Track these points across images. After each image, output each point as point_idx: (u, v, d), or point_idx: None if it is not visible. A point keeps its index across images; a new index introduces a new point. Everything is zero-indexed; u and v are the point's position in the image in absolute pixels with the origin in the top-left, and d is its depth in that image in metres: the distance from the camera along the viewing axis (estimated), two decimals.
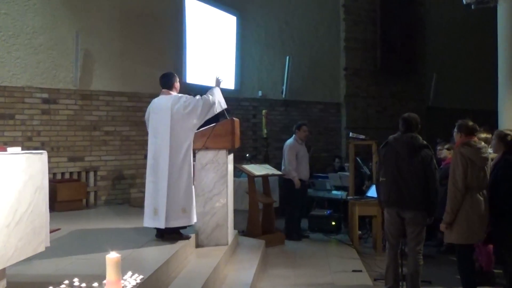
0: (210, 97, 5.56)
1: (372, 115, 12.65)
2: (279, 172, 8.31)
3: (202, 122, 5.56)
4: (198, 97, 5.53)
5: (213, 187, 5.89)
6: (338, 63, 12.30)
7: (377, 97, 12.78)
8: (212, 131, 5.79)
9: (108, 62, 8.56)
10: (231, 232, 6.21)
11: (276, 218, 8.30)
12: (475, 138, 5.34)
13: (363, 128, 11.80)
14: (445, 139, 9.20)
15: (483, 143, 5.36)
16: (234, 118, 5.99)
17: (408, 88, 13.35)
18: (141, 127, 7.99)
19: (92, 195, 8.40)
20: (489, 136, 6.31)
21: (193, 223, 5.47)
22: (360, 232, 8.30)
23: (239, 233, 7.16)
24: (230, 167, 6.20)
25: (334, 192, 9.76)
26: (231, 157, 6.25)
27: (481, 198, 5.16)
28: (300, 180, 8.39)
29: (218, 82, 5.82)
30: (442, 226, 5.30)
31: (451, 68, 14.26)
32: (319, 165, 11.19)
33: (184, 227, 5.48)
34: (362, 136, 8.29)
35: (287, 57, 11.14)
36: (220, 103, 5.64)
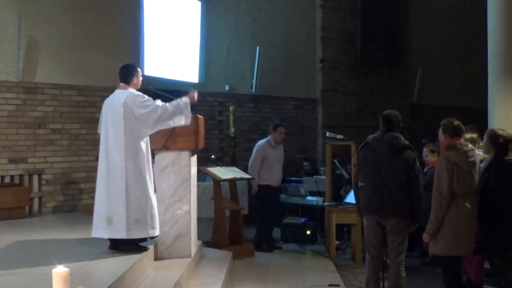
0: (173, 108, 5.46)
1: (351, 113, 12.79)
2: (248, 176, 8.34)
3: (159, 129, 5.51)
4: (158, 102, 5.47)
5: (174, 192, 5.89)
6: (314, 54, 12.38)
7: (357, 93, 12.92)
8: (173, 129, 5.78)
9: (56, 51, 8.46)
10: (194, 243, 6.22)
11: (245, 227, 8.33)
12: (461, 140, 5.45)
13: (342, 127, 11.92)
14: (431, 139, 9.36)
15: (469, 145, 5.47)
16: (198, 116, 6.00)
17: (391, 83, 13.53)
18: (93, 124, 7.92)
19: (36, 201, 8.29)
20: (474, 136, 6.47)
21: (156, 234, 5.47)
22: (337, 242, 8.38)
23: (204, 243, 7.17)
24: (194, 170, 6.21)
25: (309, 198, 9.83)
26: (194, 158, 6.26)
27: (469, 206, 5.26)
28: (270, 186, 8.46)
29: (191, 96, 5.70)
30: (426, 237, 5.40)
31: (438, 61, 14.51)
32: (292, 168, 11.27)
33: (145, 239, 5.46)
34: (340, 136, 8.38)
35: (258, 48, 11.17)
36: (181, 117, 5.55)
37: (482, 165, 5.56)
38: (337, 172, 9.61)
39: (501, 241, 5.30)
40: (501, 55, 8.59)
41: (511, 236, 5.28)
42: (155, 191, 5.54)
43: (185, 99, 5.64)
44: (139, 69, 5.63)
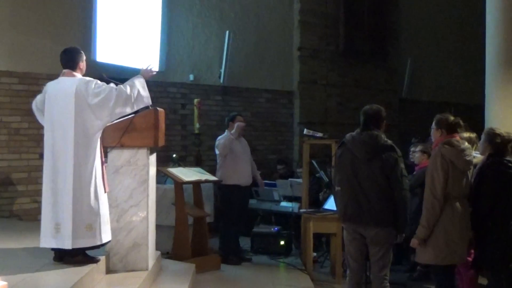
0: (128, 88, 5.46)
1: (332, 108, 12.89)
2: (214, 178, 8.35)
3: (115, 119, 5.52)
4: (112, 85, 5.45)
5: (129, 196, 5.86)
6: (291, 41, 12.45)
7: (339, 86, 13.02)
8: (130, 124, 5.75)
9: None
10: (152, 254, 6.20)
11: (211, 236, 8.36)
12: (458, 137, 5.57)
13: (321, 124, 12.02)
14: (422, 139, 9.48)
15: (466, 143, 5.60)
16: (157, 109, 5.99)
17: (377, 75, 13.67)
18: None
19: None
20: (473, 136, 6.58)
21: (104, 241, 5.45)
22: (315, 254, 8.46)
23: (163, 255, 7.15)
24: (152, 170, 6.19)
25: (284, 204, 9.90)
26: (153, 158, 6.24)
27: (462, 209, 5.40)
28: (239, 186, 8.49)
29: (146, 72, 5.73)
30: (415, 242, 5.50)
31: (430, 52, 14.70)
32: (265, 170, 11.30)
33: (92, 248, 5.45)
34: (319, 134, 8.45)
35: (227, 32, 11.19)
36: (142, 97, 5.55)
37: (476, 166, 5.68)
38: (317, 175, 9.67)
39: (496, 253, 5.41)
40: (500, 46, 8.74)
41: (508, 247, 5.40)
42: (105, 190, 5.51)
43: (139, 79, 5.63)
44: (83, 53, 5.60)
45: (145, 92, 5.62)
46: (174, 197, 7.74)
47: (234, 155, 8.51)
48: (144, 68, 5.77)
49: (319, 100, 12.73)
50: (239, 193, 8.56)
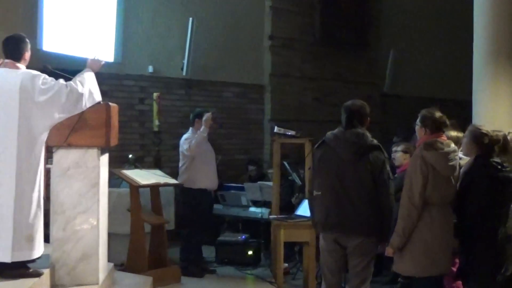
0: (79, 85, 5.46)
1: (308, 103, 12.91)
2: (175, 181, 8.33)
3: (66, 117, 5.48)
4: (61, 81, 5.43)
5: (77, 201, 5.79)
6: (262, 30, 12.43)
7: (315, 79, 13.04)
8: (78, 121, 5.68)
9: None
10: (103, 266, 6.15)
11: (170, 245, 8.32)
12: (444, 137, 5.57)
13: (296, 121, 12.00)
14: (405, 138, 9.51)
15: (452, 144, 5.58)
16: (110, 104, 5.93)
17: (357, 67, 13.71)
18: None
19: None
20: (461, 135, 6.59)
21: (41, 253, 5.40)
22: (286, 265, 8.46)
23: (117, 266, 7.10)
24: (104, 173, 6.14)
25: (252, 209, 9.88)
26: (105, 158, 6.19)
27: (443, 216, 5.40)
28: (205, 190, 8.47)
29: (94, 64, 5.72)
30: (389, 251, 5.51)
31: (415, 43, 14.76)
32: (231, 172, 11.29)
33: (33, 260, 5.37)
34: (291, 132, 8.44)
35: (190, 20, 11.13)
36: (92, 94, 5.58)
37: (462, 170, 5.67)
38: (289, 177, 9.66)
39: (483, 263, 5.42)
40: (489, 38, 8.80)
41: (496, 256, 5.41)
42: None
43: (88, 72, 5.63)
44: (28, 41, 5.52)
45: (95, 88, 5.63)
46: (130, 202, 7.69)
47: (203, 155, 8.49)
48: (91, 58, 5.72)
49: (292, 95, 12.72)
50: (206, 198, 8.56)
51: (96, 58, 5.76)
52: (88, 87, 5.52)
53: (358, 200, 5.46)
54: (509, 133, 6.05)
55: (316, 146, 5.86)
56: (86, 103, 5.54)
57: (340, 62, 13.42)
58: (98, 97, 5.66)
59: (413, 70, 14.78)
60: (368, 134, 5.64)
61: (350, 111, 5.69)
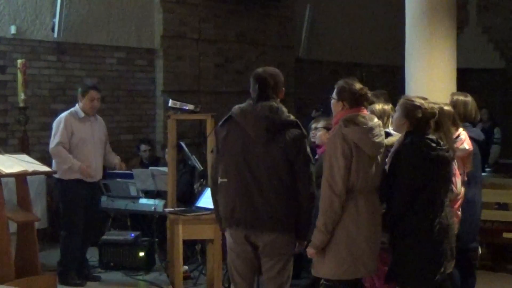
0: None
1: (207, 71, 12.98)
2: (46, 168, 8.22)
3: None
4: None
5: None
6: None
7: (216, 41, 13.07)
8: None
9: None
10: None
11: (43, 247, 8.32)
12: (365, 111, 5.64)
13: (193, 93, 12.03)
14: (325, 111, 9.63)
15: (376, 119, 5.67)
16: None
17: (267, 27, 13.83)
18: None
19: None
20: (387, 107, 6.71)
21: None
22: (186, 268, 8.47)
23: None
24: None
25: (143, 201, 9.88)
26: None
27: (371, 206, 5.49)
28: (82, 182, 8.40)
29: None
30: (311, 252, 5.54)
31: None
32: (118, 155, 11.19)
33: None
34: (189, 106, 8.41)
35: None
36: None
37: (392, 149, 5.75)
38: (189, 162, 9.64)
39: (418, 261, 5.54)
40: None
41: (434, 252, 5.56)
42: None
43: None
44: None
45: None
46: None
47: (76, 140, 8.46)
48: None
49: (190, 61, 12.79)
50: (85, 190, 8.50)
51: None
52: None
53: (269, 188, 5.46)
54: (445, 105, 6.21)
55: (220, 123, 5.78)
56: None
57: (247, 21, 13.54)
58: None
59: (333, 31, 14.95)
60: (284, 109, 5.60)
61: (261, 79, 5.63)
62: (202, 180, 9.31)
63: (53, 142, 8.38)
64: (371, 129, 5.47)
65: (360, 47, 14.97)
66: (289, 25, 14.24)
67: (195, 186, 9.51)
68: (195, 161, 9.52)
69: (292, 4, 14.21)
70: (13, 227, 7.71)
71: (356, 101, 5.59)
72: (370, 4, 15.14)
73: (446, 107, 6.20)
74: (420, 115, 5.62)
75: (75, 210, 8.39)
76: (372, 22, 15.11)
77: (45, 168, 8.21)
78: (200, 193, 8.68)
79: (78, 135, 8.45)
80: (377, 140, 5.49)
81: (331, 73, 14.28)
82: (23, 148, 9.61)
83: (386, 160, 5.71)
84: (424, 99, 5.82)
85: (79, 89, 8.73)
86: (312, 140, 8.25)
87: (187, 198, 9.18)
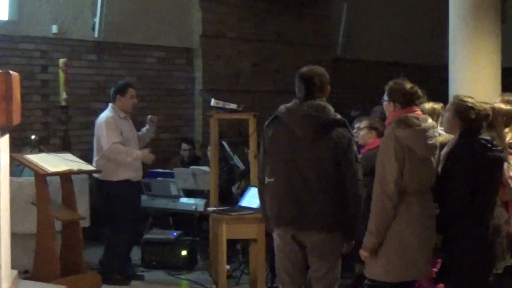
0: None
1: (245, 70, 12.96)
2: (91, 167, 8.28)
3: None
4: None
5: None
6: None
7: (254, 41, 13.05)
8: None
9: None
10: (6, 275, 5.99)
11: (86, 246, 8.27)
12: (418, 111, 5.58)
13: (231, 92, 12.03)
14: (364, 110, 9.56)
15: (430, 119, 5.60)
16: (10, 72, 5.77)
17: (304, 26, 13.79)
18: None
19: None
20: (437, 106, 6.62)
21: None
22: (229, 267, 8.45)
23: (21, 274, 6.96)
24: (4, 158, 5.97)
25: (184, 200, 9.86)
26: (5, 140, 6.02)
27: (424, 208, 5.43)
28: (129, 182, 8.43)
29: None
30: (364, 253, 5.50)
31: None
32: (157, 155, 11.17)
33: None
34: (232, 105, 8.38)
35: None
36: None
37: (444, 150, 5.69)
38: (231, 162, 9.63)
39: (472, 262, 5.47)
40: None
41: (487, 253, 5.49)
42: None
43: None
44: None
45: None
46: (35, 194, 7.57)
47: (124, 139, 8.48)
48: None
49: (228, 60, 12.78)
50: (131, 190, 8.55)
51: None
52: None
53: (317, 187, 5.44)
54: (498, 103, 6.12)
55: (266, 123, 5.78)
56: None
57: (284, 20, 13.53)
58: None
59: (371, 30, 14.88)
60: (330, 107, 5.61)
61: (308, 78, 5.66)
62: (241, 180, 9.32)
63: (107, 142, 8.34)
64: (424, 130, 5.41)
65: (399, 45, 14.87)
66: (326, 24, 14.23)
67: (235, 186, 9.51)
68: (237, 160, 9.51)
69: (329, 3, 14.20)
70: (58, 225, 7.75)
71: (408, 100, 5.56)
72: (408, 1, 15.04)
73: (498, 106, 6.12)
74: (473, 116, 5.53)
75: (124, 210, 8.42)
76: (411, 20, 15.00)
77: (89, 167, 8.27)
78: (242, 192, 8.67)
79: (124, 135, 8.49)
80: (430, 142, 5.43)
81: (369, 72, 14.22)
82: (65, 147, 9.68)
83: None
84: (472, 98, 5.74)
85: (114, 89, 8.72)
86: (355, 140, 8.20)
87: (225, 196, 9.13)
